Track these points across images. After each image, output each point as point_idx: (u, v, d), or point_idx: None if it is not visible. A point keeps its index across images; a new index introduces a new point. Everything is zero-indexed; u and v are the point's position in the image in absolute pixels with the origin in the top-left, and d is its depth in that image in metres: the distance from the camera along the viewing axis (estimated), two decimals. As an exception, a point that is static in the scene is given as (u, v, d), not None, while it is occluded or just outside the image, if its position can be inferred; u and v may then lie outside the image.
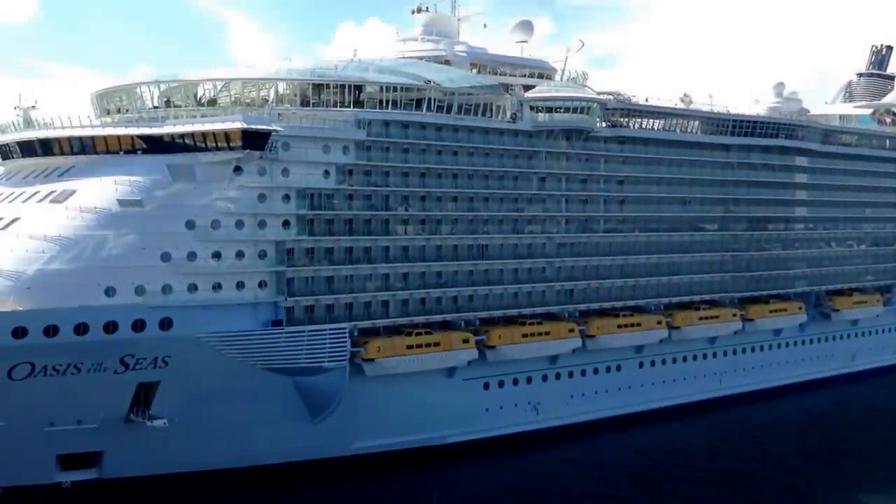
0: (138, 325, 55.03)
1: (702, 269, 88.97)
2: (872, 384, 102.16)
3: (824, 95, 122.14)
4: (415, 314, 68.77)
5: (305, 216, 63.06)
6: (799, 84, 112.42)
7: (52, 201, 56.99)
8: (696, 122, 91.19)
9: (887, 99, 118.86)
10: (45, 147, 60.49)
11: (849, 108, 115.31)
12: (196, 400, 57.69)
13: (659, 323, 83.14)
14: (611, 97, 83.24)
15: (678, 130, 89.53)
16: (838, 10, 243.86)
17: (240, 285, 59.88)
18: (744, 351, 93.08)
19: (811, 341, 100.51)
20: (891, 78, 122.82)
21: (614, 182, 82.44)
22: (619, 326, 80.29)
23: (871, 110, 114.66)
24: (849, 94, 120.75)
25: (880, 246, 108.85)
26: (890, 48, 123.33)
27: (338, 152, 64.74)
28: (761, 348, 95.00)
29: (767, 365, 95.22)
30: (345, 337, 63.36)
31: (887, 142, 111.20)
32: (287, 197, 62.26)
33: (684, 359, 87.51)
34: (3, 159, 63.43)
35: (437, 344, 68.12)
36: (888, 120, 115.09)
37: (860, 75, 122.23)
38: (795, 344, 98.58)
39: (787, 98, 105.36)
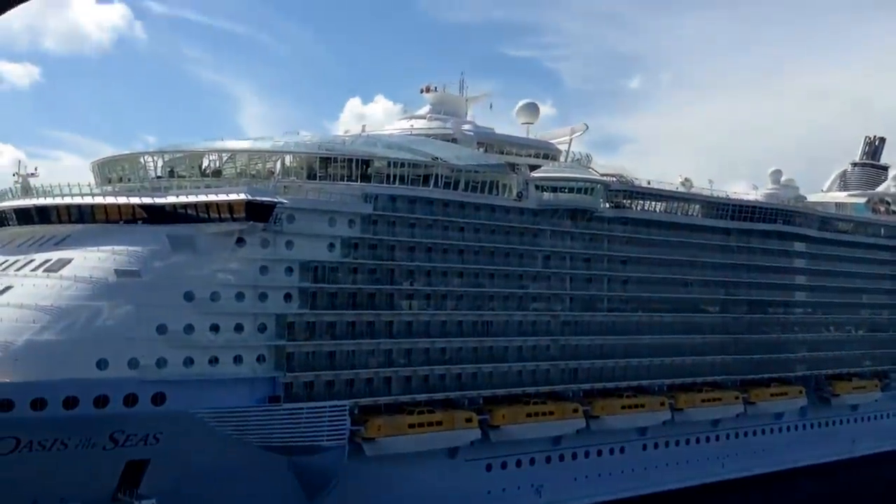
0: (130, 400, 49.79)
1: (704, 350, 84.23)
2: (872, 470, 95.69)
3: (818, 184, 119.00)
4: (417, 392, 63.62)
5: (308, 289, 58.37)
6: (794, 172, 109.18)
7: (46, 270, 52.10)
8: (697, 206, 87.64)
9: (881, 188, 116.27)
10: (43, 215, 56.06)
11: (844, 197, 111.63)
12: (187, 479, 52.10)
13: (662, 404, 78.09)
14: (614, 179, 79.85)
15: (679, 213, 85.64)
16: (830, 103, 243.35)
17: (237, 359, 54.83)
18: (745, 434, 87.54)
19: (812, 426, 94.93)
20: (884, 168, 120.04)
21: (617, 262, 78.39)
22: (623, 407, 75.04)
23: (865, 199, 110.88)
24: (843, 182, 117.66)
25: (877, 332, 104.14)
26: (883, 140, 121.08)
27: (343, 226, 60.37)
28: (763, 432, 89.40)
29: (769, 449, 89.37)
30: (345, 414, 57.95)
31: (882, 230, 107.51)
32: (290, 269, 57.62)
33: (687, 441, 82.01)
34: (-1, 226, 58.75)
35: (439, 423, 62.86)
36: (882, 209, 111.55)
37: (854, 165, 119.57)
38: (796, 428, 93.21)
39: (784, 185, 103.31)
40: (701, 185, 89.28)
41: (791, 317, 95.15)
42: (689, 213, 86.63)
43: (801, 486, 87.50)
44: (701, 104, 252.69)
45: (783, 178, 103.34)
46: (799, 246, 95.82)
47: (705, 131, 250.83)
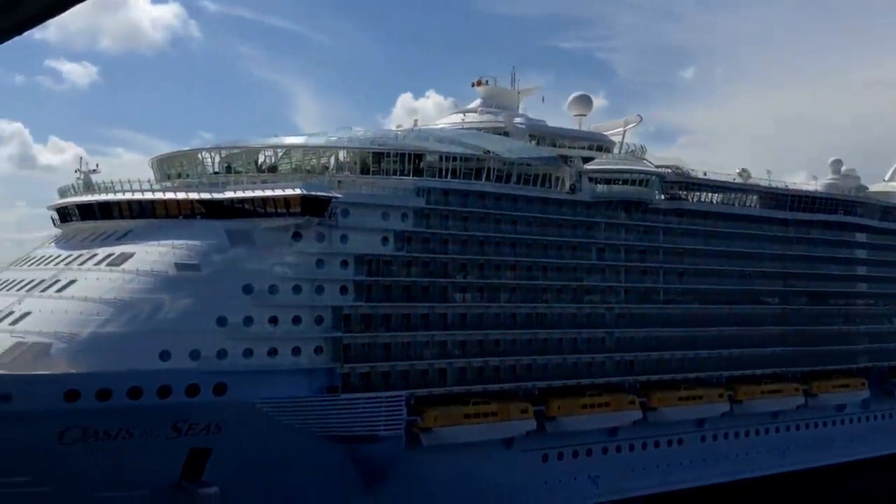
0: (192, 390, 51.16)
1: (763, 342, 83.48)
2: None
3: (879, 175, 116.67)
4: (472, 383, 64.14)
5: (363, 282, 59.30)
6: (854, 163, 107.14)
7: (109, 264, 53.83)
8: (755, 197, 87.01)
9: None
10: (105, 210, 57.82)
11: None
12: (248, 468, 53.41)
13: (721, 396, 77.61)
14: (669, 170, 79.46)
15: (737, 204, 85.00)
16: (890, 93, 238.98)
17: (296, 351, 55.94)
18: (806, 426, 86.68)
19: (874, 418, 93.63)
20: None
21: (673, 254, 78.04)
22: (681, 399, 74.77)
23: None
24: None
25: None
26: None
27: (397, 219, 61.26)
28: (824, 424, 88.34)
29: (830, 441, 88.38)
30: (401, 405, 58.84)
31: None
32: (345, 263, 58.61)
33: (746, 433, 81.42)
34: (63, 222, 60.75)
35: (495, 414, 63.33)
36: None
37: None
38: (858, 420, 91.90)
39: (845, 175, 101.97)
40: (758, 177, 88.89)
41: (852, 308, 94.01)
42: (747, 204, 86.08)
43: (862, 479, 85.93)
44: (756, 96, 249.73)
45: (843, 169, 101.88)
46: (860, 236, 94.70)
47: (761, 123, 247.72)
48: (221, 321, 53.26)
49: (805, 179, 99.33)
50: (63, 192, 61.21)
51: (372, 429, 57.37)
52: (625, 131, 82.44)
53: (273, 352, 54.95)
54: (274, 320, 55.26)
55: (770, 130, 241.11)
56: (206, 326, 52.68)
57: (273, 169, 63.17)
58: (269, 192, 56.48)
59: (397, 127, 73.19)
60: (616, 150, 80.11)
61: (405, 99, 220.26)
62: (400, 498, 59.23)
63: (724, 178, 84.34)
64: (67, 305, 51.25)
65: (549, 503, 66.66)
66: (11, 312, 52.11)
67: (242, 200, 56.50)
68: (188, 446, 52.05)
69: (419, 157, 64.03)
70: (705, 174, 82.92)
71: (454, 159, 64.94)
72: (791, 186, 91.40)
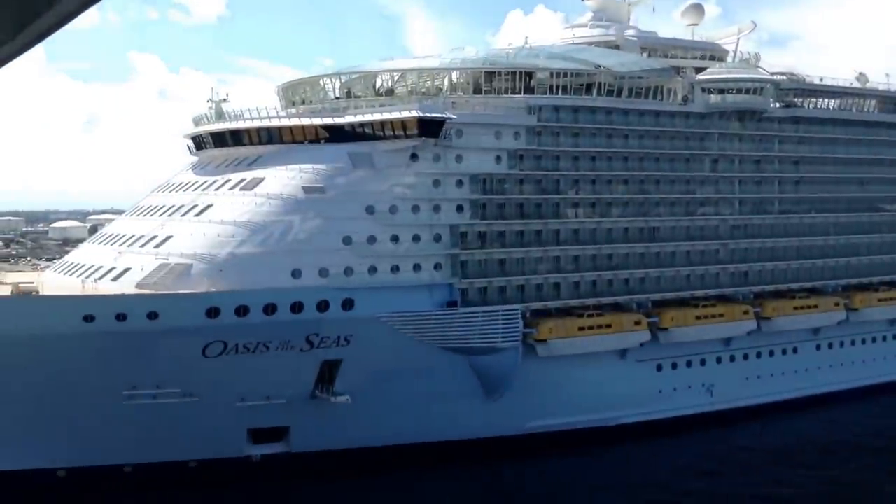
0: (322, 306, 55.07)
1: (881, 250, 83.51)
2: None
3: None
4: (586, 296, 66.68)
5: (478, 200, 62.05)
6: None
7: (241, 189, 57.93)
8: (873, 102, 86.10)
9: None
10: (236, 138, 61.66)
11: None
12: (376, 377, 57.41)
13: (836, 305, 78.42)
14: (784, 77, 79.34)
15: (854, 110, 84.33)
16: None
17: (416, 268, 59.33)
18: None
19: None
20: None
21: (789, 163, 78.49)
22: (795, 308, 75.93)
23: None
24: None
25: None
26: None
27: (509, 138, 63.40)
28: None
29: None
30: (517, 318, 61.92)
31: None
32: (460, 182, 61.36)
33: (863, 341, 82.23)
34: (197, 149, 65.00)
35: (608, 326, 65.93)
36: None
37: None
38: None
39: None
40: (878, 81, 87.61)
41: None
42: (864, 110, 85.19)
43: None
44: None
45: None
46: None
47: (880, 24, 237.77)
48: (347, 240, 56.88)
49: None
50: (197, 121, 65.29)
51: (490, 340, 60.70)
52: (738, 39, 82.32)
53: (395, 269, 58.44)
54: (395, 238, 58.64)
55: (891, 33, 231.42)
56: (333, 245, 56.37)
57: (390, 92, 65.81)
58: (386, 116, 59.25)
59: (508, 45, 74.58)
60: (730, 59, 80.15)
61: (515, 16, 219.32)
62: (518, 406, 62.75)
63: (840, 84, 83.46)
64: (205, 228, 55.61)
65: (662, 412, 69.20)
66: (155, 236, 56.98)
67: (362, 124, 59.40)
68: (321, 358, 56.23)
69: (530, 74, 65.70)
70: (821, 80, 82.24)
71: (564, 75, 66.38)
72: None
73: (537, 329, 63.24)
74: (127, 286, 53.29)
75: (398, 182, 59.47)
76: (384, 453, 58.74)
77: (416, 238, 59.50)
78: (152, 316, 51.01)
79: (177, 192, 62.24)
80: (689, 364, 71.40)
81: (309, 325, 54.73)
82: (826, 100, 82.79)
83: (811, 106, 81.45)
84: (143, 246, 57.02)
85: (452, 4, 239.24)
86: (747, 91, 74.17)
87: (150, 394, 53.36)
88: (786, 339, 76.43)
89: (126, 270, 54.66)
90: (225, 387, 54.51)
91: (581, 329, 64.88)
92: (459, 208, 61.46)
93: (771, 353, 76.06)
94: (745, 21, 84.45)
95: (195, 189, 60.81)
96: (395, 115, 59.08)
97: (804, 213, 79.16)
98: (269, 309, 53.49)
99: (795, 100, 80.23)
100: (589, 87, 67.59)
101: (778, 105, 78.12)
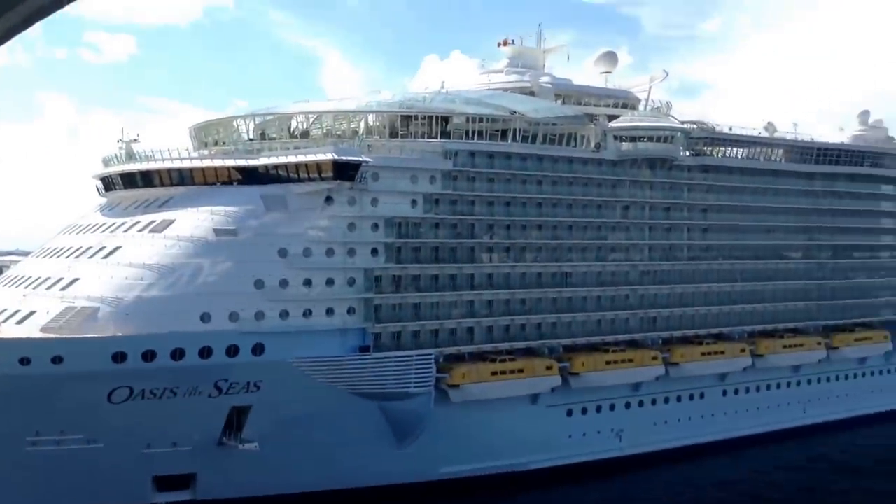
0: (232, 351, 54.72)
1: (786, 297, 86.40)
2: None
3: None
4: (499, 341, 67.52)
5: (393, 244, 62.47)
6: (882, 113, 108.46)
7: (151, 231, 57.32)
8: (780, 151, 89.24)
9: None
10: (147, 179, 61.10)
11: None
12: (286, 423, 57.14)
13: (742, 351, 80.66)
14: (694, 126, 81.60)
15: (762, 159, 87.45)
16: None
17: (329, 312, 59.35)
18: (828, 380, 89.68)
19: None
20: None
21: (698, 210, 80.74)
22: (703, 354, 77.93)
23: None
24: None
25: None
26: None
27: (425, 182, 64.10)
28: (846, 377, 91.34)
29: (852, 394, 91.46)
30: (430, 363, 62.42)
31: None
32: (376, 226, 61.73)
33: (768, 387, 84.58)
34: (107, 190, 64.10)
35: (521, 370, 66.78)
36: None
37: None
38: (881, 373, 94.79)
39: (873, 126, 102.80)
40: (785, 130, 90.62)
41: (877, 261, 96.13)
42: (772, 158, 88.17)
43: (884, 431, 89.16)
44: (782, 46, 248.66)
45: (871, 120, 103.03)
46: (887, 188, 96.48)
47: (787, 75, 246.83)
48: (258, 284, 56.65)
49: (832, 131, 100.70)
50: (106, 162, 64.45)
51: (402, 386, 60.99)
52: (650, 87, 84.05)
53: (308, 313, 58.32)
54: (308, 282, 58.55)
55: (797, 82, 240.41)
56: (244, 289, 56.07)
57: (305, 134, 66.06)
58: (301, 158, 59.26)
59: (425, 89, 75.51)
60: (642, 107, 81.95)
61: (431, 60, 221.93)
62: (430, 451, 63.00)
63: (749, 133, 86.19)
64: (113, 271, 54.86)
65: (572, 457, 70.04)
66: (62, 278, 55.91)
67: (276, 166, 59.38)
68: (229, 404, 55.82)
69: (446, 119, 66.68)
70: (730, 129, 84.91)
71: (480, 120, 67.42)
72: (817, 139, 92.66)
73: (450, 374, 63.75)
74: (32, 329, 52.14)
75: (312, 225, 59.49)
76: (293, 501, 58.44)
77: (329, 282, 59.55)
78: (57, 360, 50.09)
79: (85, 233, 61.15)
80: (598, 409, 72.61)
81: (218, 371, 54.32)
82: (735, 148, 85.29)
83: (720, 154, 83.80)
84: (49, 288, 55.77)
85: (369, 47, 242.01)
86: (658, 139, 76.07)
87: (54, 440, 52.34)
88: (693, 384, 78.17)
89: (31, 313, 53.43)
90: (130, 433, 53.65)
91: (494, 374, 65.56)
92: (374, 252, 61.74)
93: (679, 399, 77.76)
94: (657, 70, 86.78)
95: (104, 230, 59.90)
96: (311, 157, 59.09)
97: (712, 259, 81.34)
98: (177, 354, 52.93)
99: (705, 148, 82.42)
100: (504, 133, 68.73)
101: (688, 153, 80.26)
